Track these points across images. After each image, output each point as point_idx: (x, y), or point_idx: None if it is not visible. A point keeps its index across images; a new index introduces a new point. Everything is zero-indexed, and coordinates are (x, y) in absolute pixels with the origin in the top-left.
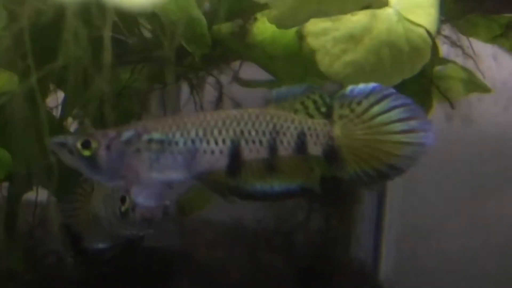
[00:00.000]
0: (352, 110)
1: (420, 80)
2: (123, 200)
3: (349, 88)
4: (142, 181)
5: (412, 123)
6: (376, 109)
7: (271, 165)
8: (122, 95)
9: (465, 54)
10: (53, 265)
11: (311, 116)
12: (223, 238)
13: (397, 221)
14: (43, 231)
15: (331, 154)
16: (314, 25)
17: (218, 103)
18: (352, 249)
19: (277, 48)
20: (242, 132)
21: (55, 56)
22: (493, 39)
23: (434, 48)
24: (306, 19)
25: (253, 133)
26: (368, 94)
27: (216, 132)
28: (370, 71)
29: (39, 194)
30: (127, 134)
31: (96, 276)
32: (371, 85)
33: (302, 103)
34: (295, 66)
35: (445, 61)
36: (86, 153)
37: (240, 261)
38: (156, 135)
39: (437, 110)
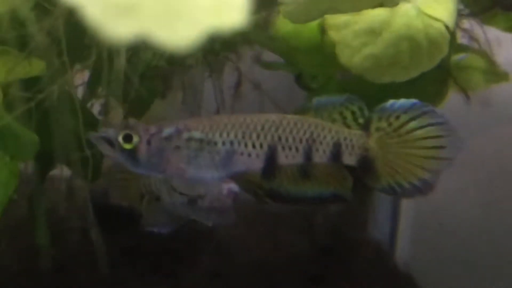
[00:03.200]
0: (390, 124)
1: (437, 71)
2: None
3: (390, 102)
4: (181, 176)
5: (444, 141)
6: (413, 124)
7: (305, 171)
8: (146, 76)
9: (482, 44)
10: (77, 241)
11: (348, 127)
12: (246, 218)
13: (413, 205)
14: (68, 207)
15: (365, 165)
16: (335, 18)
17: (237, 88)
18: (369, 231)
19: (300, 41)
20: (279, 138)
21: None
22: (510, 28)
23: (452, 41)
24: (319, 15)
25: (290, 139)
26: (407, 109)
27: (254, 135)
28: (389, 64)
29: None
30: (168, 130)
31: (120, 251)
32: (412, 101)
33: (341, 113)
34: (316, 58)
35: (465, 48)
36: (127, 146)
37: (262, 240)
38: (196, 134)
39: (456, 95)
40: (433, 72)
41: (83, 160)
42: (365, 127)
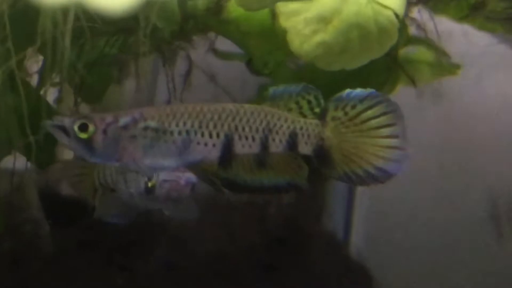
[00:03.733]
0: (346, 113)
1: (386, 60)
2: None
3: (346, 91)
4: (137, 165)
5: (398, 130)
6: (369, 113)
7: (261, 160)
8: (102, 63)
9: (430, 34)
10: (31, 232)
11: (304, 116)
12: (200, 208)
13: (367, 195)
14: (20, 199)
15: (321, 153)
16: (286, 6)
17: (187, 76)
18: (323, 222)
19: (251, 25)
20: (236, 127)
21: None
22: (462, 18)
23: (402, 29)
24: (273, 3)
25: (247, 129)
26: (363, 98)
27: (211, 125)
28: (339, 51)
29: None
30: (124, 119)
31: (73, 244)
32: (368, 90)
33: (297, 102)
34: (267, 43)
35: (416, 40)
36: (83, 135)
37: (216, 231)
38: (152, 123)
39: (408, 87)
40: (382, 60)
41: (35, 147)
42: (321, 116)
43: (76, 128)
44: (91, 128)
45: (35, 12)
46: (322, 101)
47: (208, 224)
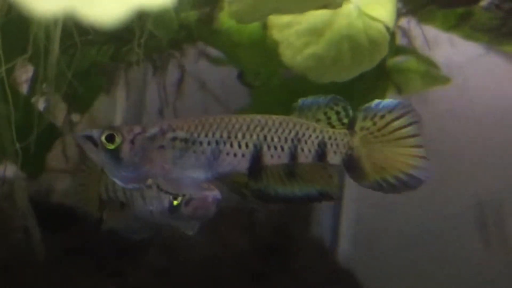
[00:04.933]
0: (374, 123)
1: (376, 72)
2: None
3: (375, 101)
4: (165, 176)
5: (422, 139)
6: (397, 123)
7: (291, 171)
8: (90, 72)
9: (417, 43)
10: (20, 241)
11: (332, 127)
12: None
13: (355, 201)
14: (10, 207)
15: (350, 163)
16: (278, 18)
17: (180, 84)
18: (311, 228)
19: (242, 36)
20: (265, 137)
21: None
22: (449, 28)
23: (392, 41)
24: (265, 16)
25: (276, 139)
26: (392, 109)
27: (240, 135)
28: (330, 63)
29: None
30: (152, 130)
31: (63, 251)
32: (397, 101)
33: (325, 113)
34: (258, 54)
35: (404, 50)
36: (110, 146)
37: (206, 238)
38: (180, 134)
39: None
40: (372, 73)
41: (25, 156)
42: (350, 126)
43: (103, 138)
44: (118, 138)
45: (26, 22)
46: (350, 112)
47: (198, 231)
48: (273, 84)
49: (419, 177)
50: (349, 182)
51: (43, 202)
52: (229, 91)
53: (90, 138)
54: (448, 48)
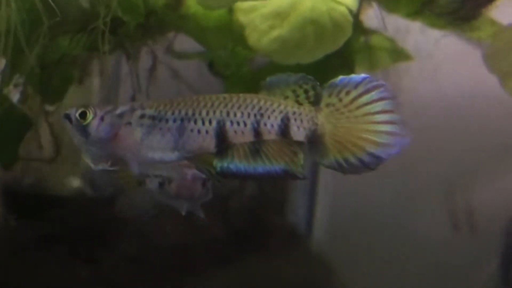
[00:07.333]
0: (340, 100)
1: (342, 53)
2: None
3: (340, 77)
4: (134, 154)
5: (395, 116)
6: (363, 99)
7: (256, 147)
8: (63, 62)
9: (389, 28)
10: None
11: (299, 104)
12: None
13: (330, 187)
14: None
15: (314, 140)
16: (244, 2)
17: (152, 71)
18: (285, 214)
19: (209, 20)
20: (228, 113)
21: None
22: (412, 15)
23: (356, 24)
24: (231, 2)
25: (239, 115)
26: (358, 84)
27: (204, 112)
28: (295, 46)
29: None
30: (122, 108)
31: (36, 239)
32: (362, 75)
33: (294, 91)
34: (225, 38)
35: (370, 31)
36: (83, 122)
37: (176, 224)
38: (149, 111)
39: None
40: (337, 54)
41: None
42: (315, 102)
43: (77, 115)
44: (90, 115)
45: None
46: (320, 90)
47: (170, 217)
48: (242, 73)
49: (380, 156)
50: (324, 168)
51: (17, 190)
52: (204, 80)
53: (67, 116)
54: (419, 35)
